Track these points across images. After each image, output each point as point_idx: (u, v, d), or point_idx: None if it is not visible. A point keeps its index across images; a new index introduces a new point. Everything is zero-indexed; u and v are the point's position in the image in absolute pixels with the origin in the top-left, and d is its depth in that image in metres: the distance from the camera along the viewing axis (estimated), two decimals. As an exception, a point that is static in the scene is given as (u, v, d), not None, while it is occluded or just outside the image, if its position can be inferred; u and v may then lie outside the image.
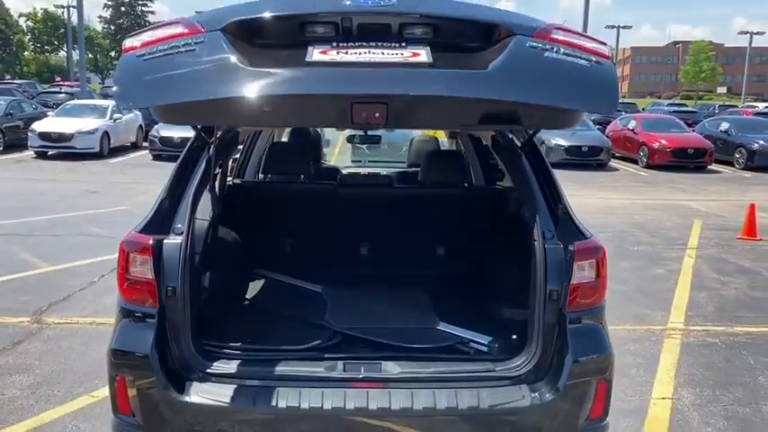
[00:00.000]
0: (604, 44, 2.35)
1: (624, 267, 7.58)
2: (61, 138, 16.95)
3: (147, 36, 2.26)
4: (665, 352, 4.96)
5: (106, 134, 17.75)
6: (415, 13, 2.25)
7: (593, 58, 2.23)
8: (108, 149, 17.74)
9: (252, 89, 2.06)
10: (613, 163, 19.55)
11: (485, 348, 2.70)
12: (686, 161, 18.52)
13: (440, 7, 2.32)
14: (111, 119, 18.37)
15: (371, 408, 2.33)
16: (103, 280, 6.35)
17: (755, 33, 57.46)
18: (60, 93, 27.97)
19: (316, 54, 2.14)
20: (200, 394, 2.39)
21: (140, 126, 20.31)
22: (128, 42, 2.28)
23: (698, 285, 6.88)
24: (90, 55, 68.85)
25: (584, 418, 2.49)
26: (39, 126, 17.34)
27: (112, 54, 77.16)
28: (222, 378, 2.44)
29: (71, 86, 33.08)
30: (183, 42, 2.18)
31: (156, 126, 18.14)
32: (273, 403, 2.33)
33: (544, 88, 2.17)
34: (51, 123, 17.64)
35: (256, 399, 2.36)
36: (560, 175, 12.24)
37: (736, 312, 6.02)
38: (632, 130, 20.47)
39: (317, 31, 2.25)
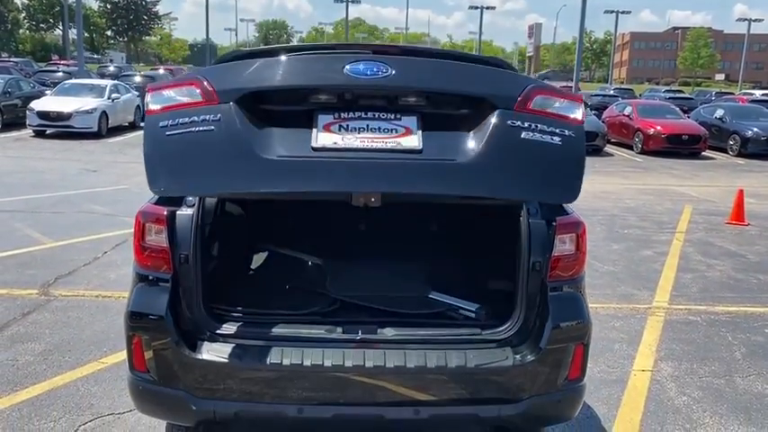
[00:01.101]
0: (579, 101, 2.56)
1: (614, 249, 7.79)
2: (60, 117, 17.04)
3: (167, 94, 2.43)
4: (649, 329, 5.18)
5: (104, 114, 17.84)
6: (407, 87, 2.48)
7: (566, 131, 2.45)
8: (106, 129, 17.84)
9: (266, 183, 2.35)
10: (609, 148, 19.73)
11: (473, 315, 2.90)
12: (681, 147, 18.72)
13: (429, 82, 2.52)
14: (109, 98, 18.46)
15: (368, 366, 2.53)
16: (106, 256, 6.54)
17: (754, 20, 57.30)
18: (58, 72, 27.92)
19: (321, 136, 2.38)
20: (210, 353, 2.59)
21: (138, 106, 20.36)
22: (149, 102, 2.45)
23: (684, 267, 7.10)
24: (86, 34, 68.37)
25: (563, 378, 2.69)
26: (37, 105, 17.40)
27: (108, 33, 76.63)
28: (230, 338, 2.63)
29: (68, 65, 33.01)
30: (201, 117, 2.36)
31: (154, 106, 18.20)
32: (278, 361, 2.53)
33: (514, 183, 2.45)
34: (50, 102, 17.69)
35: (262, 357, 2.55)
36: (553, 159, 12.00)
37: (719, 293, 6.24)
38: (628, 115, 20.64)
39: (321, 99, 2.48)
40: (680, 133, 18.88)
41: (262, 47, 3.36)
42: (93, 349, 4.36)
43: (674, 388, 4.13)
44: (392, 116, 2.46)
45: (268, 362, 2.54)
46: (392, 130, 2.44)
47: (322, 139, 2.39)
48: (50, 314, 4.98)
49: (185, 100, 2.41)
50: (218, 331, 2.65)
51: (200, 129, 2.35)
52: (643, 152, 19.06)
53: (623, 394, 4.01)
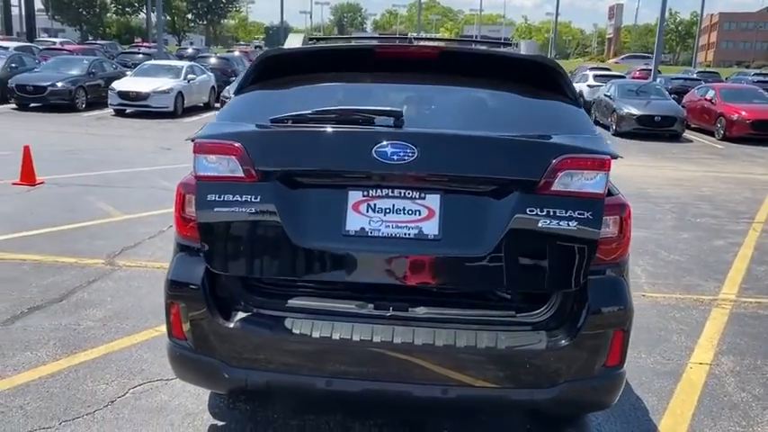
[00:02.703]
0: (606, 167, 2.51)
1: (682, 238, 7.46)
2: (138, 97, 17.73)
3: (212, 162, 2.61)
4: (711, 321, 4.94)
5: (180, 94, 18.43)
6: (430, 172, 2.54)
7: (585, 213, 2.48)
8: (182, 109, 18.43)
9: (298, 271, 2.61)
10: (688, 134, 18.88)
11: (508, 296, 2.83)
12: (767, 134, 17.67)
13: (452, 166, 2.55)
14: (185, 79, 19.04)
15: (396, 342, 2.51)
16: (171, 230, 6.73)
17: None
18: (138, 53, 29.02)
19: (350, 218, 2.55)
20: (244, 323, 2.63)
21: (213, 87, 20.97)
22: (198, 168, 2.63)
23: (758, 259, 6.72)
24: (167, 17, 70.64)
25: (601, 364, 2.59)
26: (118, 85, 18.15)
27: (189, 16, 78.93)
28: (263, 309, 2.68)
29: (149, 47, 34.26)
30: (243, 197, 2.56)
31: (227, 87, 18.70)
32: (308, 333, 2.56)
33: (527, 278, 2.55)
34: (129, 83, 18.43)
35: (293, 329, 2.59)
36: (629, 146, 12.32)
37: (795, 287, 5.87)
38: (710, 100, 19.63)
39: (352, 177, 2.59)
40: (767, 119, 17.80)
41: (301, 47, 3.38)
42: (149, 317, 4.53)
43: (734, 383, 3.93)
44: (416, 195, 2.56)
45: (298, 334, 2.57)
46: (416, 211, 2.55)
47: (351, 222, 2.55)
48: (114, 283, 5.21)
49: (228, 174, 2.58)
50: (251, 302, 2.69)
51: (243, 210, 2.56)
52: (725, 139, 18.12)
53: (676, 387, 3.83)
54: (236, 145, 2.58)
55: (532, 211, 2.48)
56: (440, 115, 3.00)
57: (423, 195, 2.56)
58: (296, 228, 2.55)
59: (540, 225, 2.48)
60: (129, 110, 18.00)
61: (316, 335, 2.55)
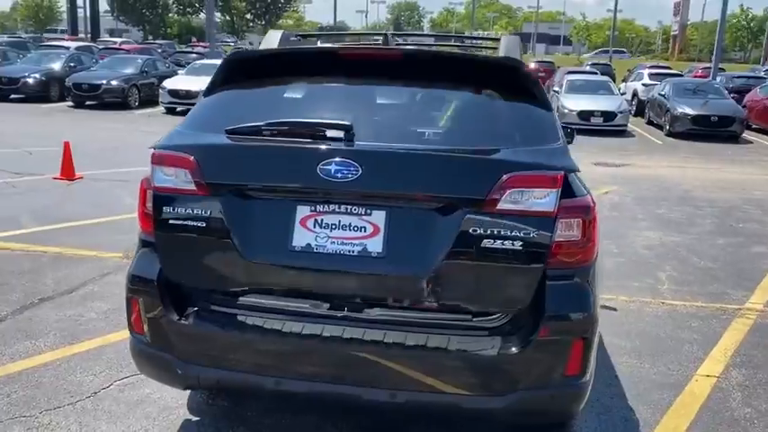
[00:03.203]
0: (557, 184, 2.41)
1: (717, 244, 7.11)
2: (188, 95, 18.12)
3: (167, 174, 2.63)
4: (731, 331, 4.67)
5: (228, 93, 18.75)
6: (373, 190, 2.49)
7: (532, 232, 2.41)
8: (229, 107, 18.76)
9: (247, 284, 2.62)
10: (749, 135, 18.06)
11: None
12: (833, 135, 16.73)
13: (395, 184, 2.49)
14: (233, 78, 19.36)
15: (345, 344, 2.48)
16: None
17: None
18: (192, 53, 29.77)
19: (297, 234, 2.53)
20: (197, 320, 2.65)
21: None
22: (155, 179, 2.66)
23: (799, 267, 6.34)
24: (227, 17, 72.26)
25: (559, 373, 2.48)
26: (168, 84, 18.67)
27: (248, 16, 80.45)
28: (218, 307, 2.67)
29: (204, 47, 35.09)
30: (194, 210, 2.59)
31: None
32: (259, 329, 2.56)
33: (470, 299, 2.51)
34: (180, 81, 18.91)
35: (245, 326, 2.59)
36: (681, 147, 11.79)
37: (833, 298, 5.50)
38: (774, 99, 18.72)
39: (299, 194, 2.57)
40: (833, 119, 16.85)
41: (265, 49, 3.28)
42: (152, 311, 4.59)
43: (740, 398, 3.69)
44: (362, 211, 2.52)
45: (250, 330, 2.57)
46: (361, 228, 2.50)
47: (297, 238, 2.53)
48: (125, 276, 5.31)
49: (181, 186, 2.61)
50: (207, 300, 2.69)
51: (194, 224, 2.59)
52: (788, 140, 17.26)
53: (675, 399, 3.63)
54: (189, 158, 2.58)
55: (476, 230, 2.40)
56: (394, 126, 2.84)
57: (369, 212, 2.51)
58: (245, 242, 2.54)
59: (485, 244, 2.40)
60: (179, 108, 18.41)
61: (266, 334, 2.53)
